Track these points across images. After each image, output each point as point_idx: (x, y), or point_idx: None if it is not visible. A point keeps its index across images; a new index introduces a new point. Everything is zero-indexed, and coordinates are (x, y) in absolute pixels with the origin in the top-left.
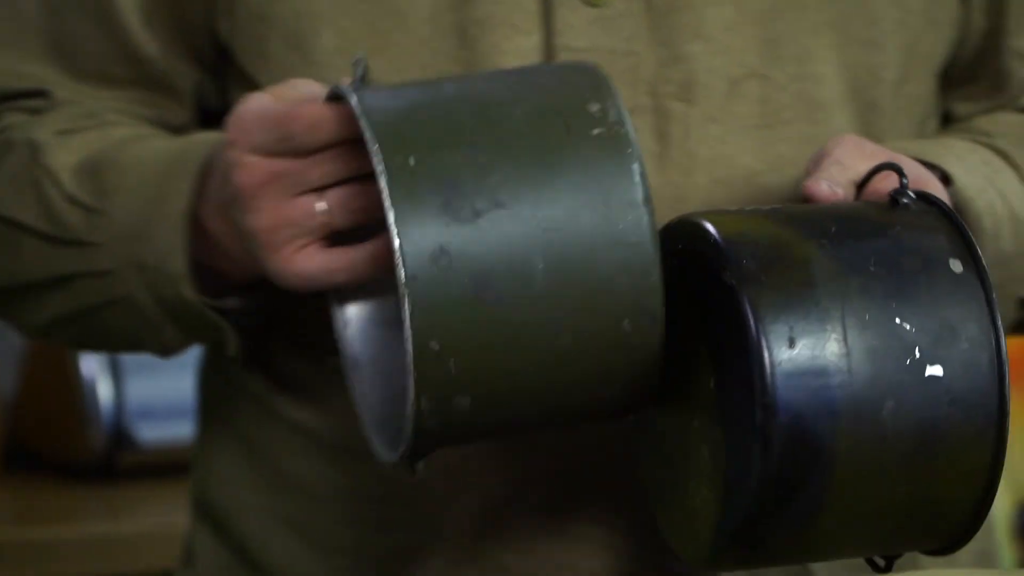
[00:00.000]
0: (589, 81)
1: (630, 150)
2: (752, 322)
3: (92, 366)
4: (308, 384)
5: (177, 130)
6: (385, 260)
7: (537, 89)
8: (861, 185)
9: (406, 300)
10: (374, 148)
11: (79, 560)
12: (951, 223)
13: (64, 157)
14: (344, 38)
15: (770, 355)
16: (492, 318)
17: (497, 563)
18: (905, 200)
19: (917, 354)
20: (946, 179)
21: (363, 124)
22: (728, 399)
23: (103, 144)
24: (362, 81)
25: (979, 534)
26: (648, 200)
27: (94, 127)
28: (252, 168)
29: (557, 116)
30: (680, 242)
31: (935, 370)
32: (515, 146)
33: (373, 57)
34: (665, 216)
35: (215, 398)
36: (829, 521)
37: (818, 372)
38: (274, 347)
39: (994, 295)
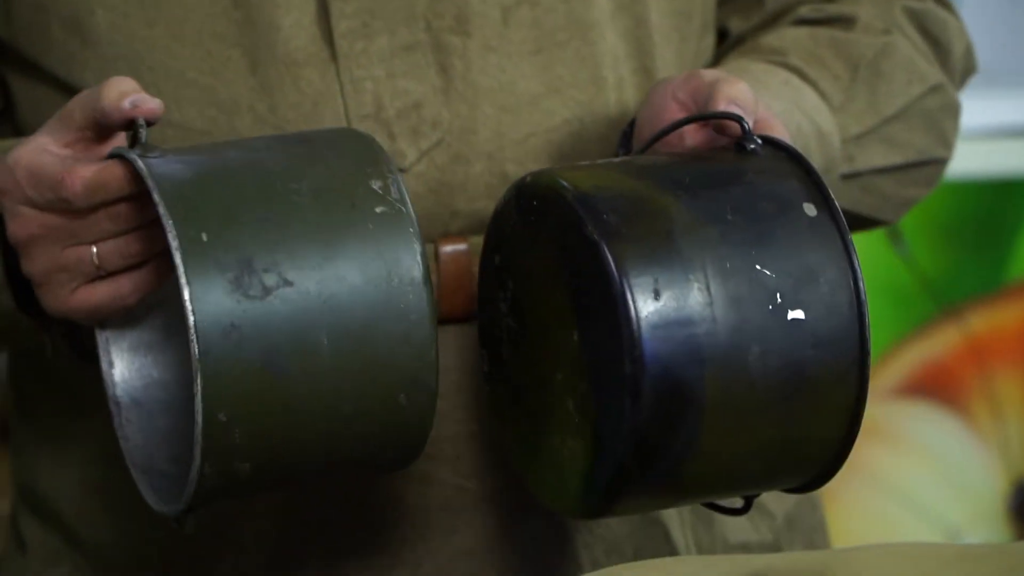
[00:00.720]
0: (369, 155)
1: (411, 229)
2: (617, 276)
3: None
4: None
5: None
6: (152, 285)
7: (320, 162)
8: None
9: (198, 374)
10: (168, 223)
11: None
12: (800, 166)
13: None
14: (116, 13)
15: (636, 307)
16: (278, 390)
17: None
18: (752, 146)
19: (779, 299)
20: None
21: (156, 198)
22: (594, 352)
23: None
24: (140, 144)
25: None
26: (428, 280)
27: None
28: (24, 220)
29: (342, 193)
30: (535, 199)
31: (797, 314)
32: (303, 223)
33: (148, 28)
34: (458, 149)
35: (28, 383)
36: (700, 466)
37: (684, 322)
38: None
39: (849, 235)
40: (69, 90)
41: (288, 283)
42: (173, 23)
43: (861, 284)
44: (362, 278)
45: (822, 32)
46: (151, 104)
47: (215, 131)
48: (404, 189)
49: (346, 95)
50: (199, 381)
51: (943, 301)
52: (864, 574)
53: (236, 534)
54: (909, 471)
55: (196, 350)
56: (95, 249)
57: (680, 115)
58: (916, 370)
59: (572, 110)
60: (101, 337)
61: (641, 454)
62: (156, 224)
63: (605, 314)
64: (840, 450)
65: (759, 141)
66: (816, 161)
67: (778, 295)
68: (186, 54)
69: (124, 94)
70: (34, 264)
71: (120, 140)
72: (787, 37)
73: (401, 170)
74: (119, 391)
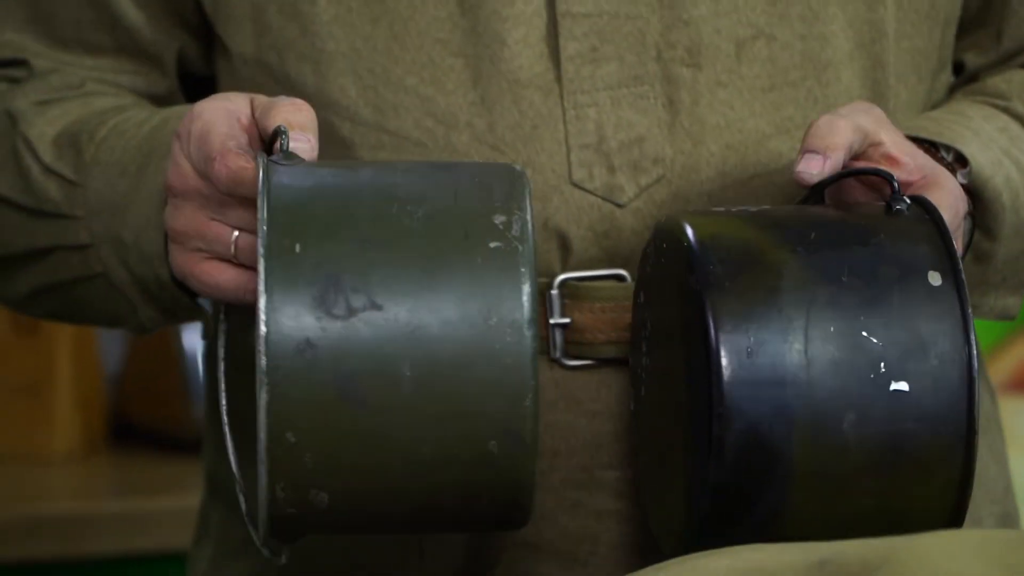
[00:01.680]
0: (506, 188)
1: (524, 269)
2: (711, 329)
3: (195, 340)
4: None
5: (161, 98)
6: None
7: (450, 189)
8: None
9: (264, 389)
10: (262, 229)
11: (180, 532)
12: (940, 232)
13: (43, 127)
14: (340, 5)
15: (726, 364)
16: (353, 418)
17: (516, 537)
18: (899, 207)
19: (883, 368)
20: (961, 158)
21: (259, 203)
22: (694, 404)
23: (83, 115)
24: (282, 151)
25: (1000, 495)
26: (533, 323)
27: (75, 97)
28: (181, 172)
29: (459, 221)
30: (664, 242)
31: (901, 385)
32: (406, 247)
33: (371, 25)
34: (678, 186)
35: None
36: (790, 526)
37: (776, 382)
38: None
39: (969, 310)
40: (280, 80)
41: (376, 307)
42: (397, 22)
43: (975, 361)
44: (458, 313)
45: None
46: (302, 147)
47: (431, 144)
48: (530, 228)
49: (568, 121)
50: (264, 395)
51: None
52: (930, 559)
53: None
54: (1017, 466)
55: (263, 362)
56: (236, 234)
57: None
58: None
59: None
60: (220, 346)
61: (724, 512)
62: None
63: (701, 366)
64: (948, 524)
65: (907, 202)
66: None
67: (882, 364)
68: (407, 58)
69: (289, 124)
70: (176, 219)
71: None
72: (1015, 80)
73: (619, 205)
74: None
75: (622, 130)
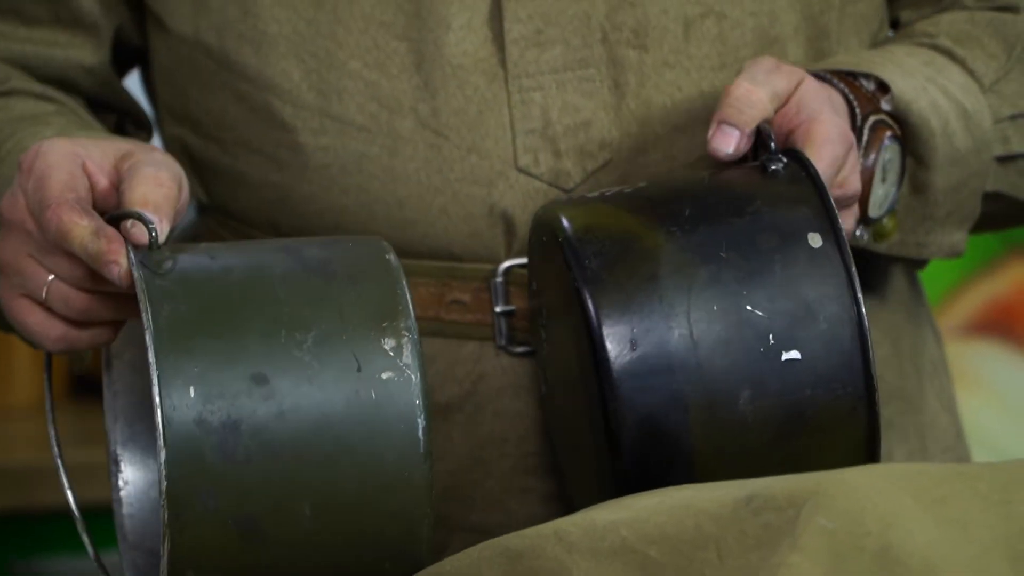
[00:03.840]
0: (390, 300)
1: (417, 401)
2: (594, 325)
3: None
4: None
5: (91, 69)
6: (84, 346)
7: (334, 306)
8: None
9: (166, 539)
10: (155, 373)
11: None
12: (817, 190)
13: None
14: None
15: (613, 358)
16: (255, 556)
17: (466, 523)
18: (774, 166)
19: (771, 340)
20: (884, 87)
21: (148, 339)
22: (589, 397)
23: None
24: (152, 249)
25: (952, 443)
26: (428, 455)
27: None
28: (13, 204)
29: (348, 349)
30: (544, 235)
31: (792, 354)
32: (300, 386)
33: (315, 7)
34: (626, 170)
35: None
36: None
37: (664, 370)
38: None
39: (853, 267)
40: (219, 61)
41: (274, 452)
42: (341, 4)
43: (864, 319)
44: (357, 451)
45: (980, 15)
46: (156, 237)
47: (374, 129)
48: (417, 352)
49: (513, 106)
50: (167, 544)
51: (1009, 240)
52: (857, 492)
53: None
54: (975, 409)
55: (164, 515)
56: (51, 278)
57: None
58: (982, 308)
59: (657, 175)
60: (108, 390)
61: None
62: (117, 296)
63: (589, 361)
64: None
65: (783, 160)
66: (959, 143)
67: (770, 336)
68: (351, 42)
69: (145, 202)
70: (3, 249)
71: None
72: (942, 21)
73: (566, 191)
74: (119, 449)
75: (568, 114)
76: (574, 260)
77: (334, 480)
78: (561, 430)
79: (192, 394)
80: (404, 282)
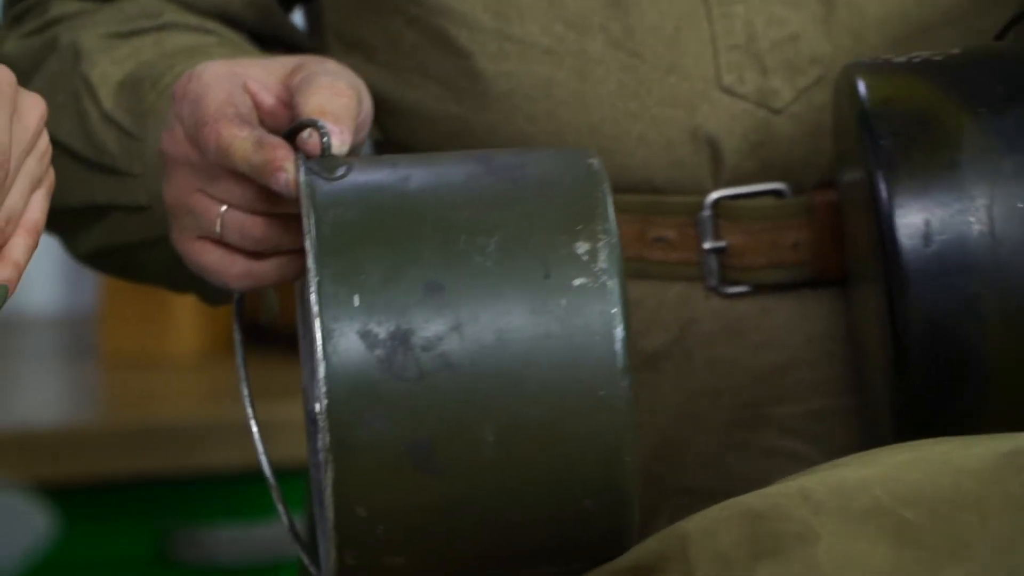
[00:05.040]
0: (585, 201)
1: (615, 310)
2: (885, 214)
3: None
4: None
5: (252, 1)
6: (270, 281)
7: (521, 208)
8: None
9: (329, 466)
10: (314, 280)
11: None
12: None
13: (107, 68)
14: None
15: (903, 253)
16: (430, 488)
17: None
18: None
19: None
20: None
21: (307, 243)
22: (876, 293)
23: (153, 56)
24: (325, 157)
25: None
26: (628, 370)
27: (150, 31)
28: (172, 137)
29: (536, 255)
30: (843, 97)
31: None
32: (481, 294)
33: None
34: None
35: None
36: (988, 429)
37: (959, 270)
38: None
39: None
40: None
41: (451, 367)
42: None
43: None
44: (544, 367)
45: None
46: (332, 143)
47: (561, 51)
48: (616, 257)
49: (714, 20)
50: (330, 473)
51: None
52: None
53: None
54: None
55: (327, 439)
56: (223, 209)
57: None
58: None
59: (970, 42)
60: (304, 340)
61: (913, 426)
62: (297, 219)
63: (877, 254)
64: None
65: None
66: None
67: None
68: None
69: (322, 111)
70: (169, 190)
71: None
72: None
73: (775, 111)
74: (318, 406)
75: (773, 27)
76: (868, 138)
77: (519, 401)
78: (858, 336)
79: (356, 303)
80: (606, 185)
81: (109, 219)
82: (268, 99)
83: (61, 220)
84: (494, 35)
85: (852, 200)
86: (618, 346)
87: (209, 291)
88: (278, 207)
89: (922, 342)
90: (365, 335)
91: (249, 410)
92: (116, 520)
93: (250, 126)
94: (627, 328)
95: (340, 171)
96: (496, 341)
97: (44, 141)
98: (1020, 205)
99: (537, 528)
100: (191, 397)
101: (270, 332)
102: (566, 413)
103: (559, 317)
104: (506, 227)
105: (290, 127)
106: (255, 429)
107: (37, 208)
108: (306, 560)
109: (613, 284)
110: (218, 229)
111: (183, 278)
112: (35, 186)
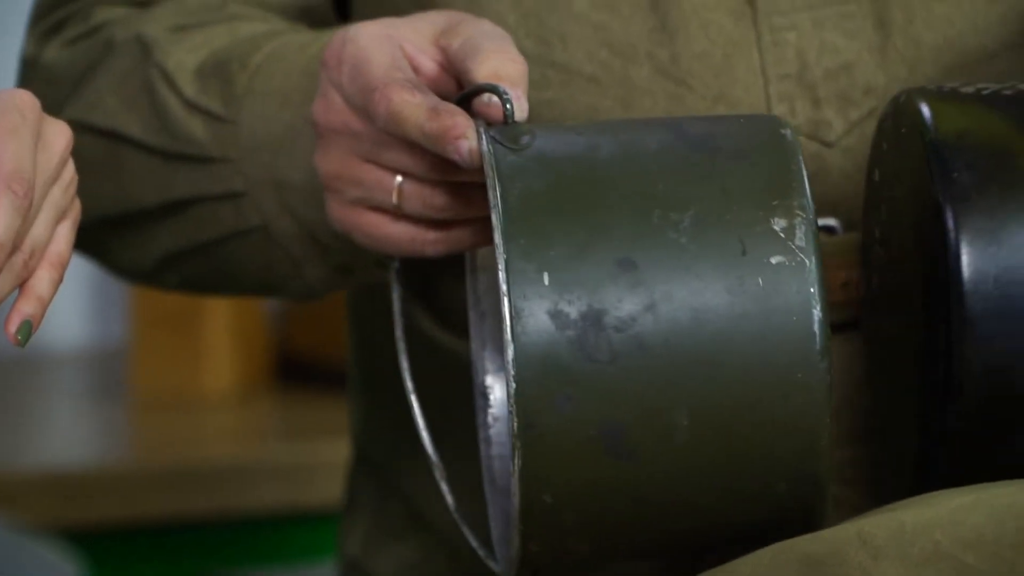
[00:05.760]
0: (782, 174)
1: (813, 288)
2: (954, 252)
3: None
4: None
5: (312, 11)
6: (466, 247)
7: (716, 181)
8: None
9: (518, 452)
10: (501, 255)
11: None
12: None
13: (182, 56)
14: None
15: (971, 292)
16: (620, 474)
17: None
18: None
19: None
20: None
21: (495, 218)
22: (930, 334)
23: (230, 42)
24: (509, 126)
25: None
26: (827, 353)
27: (217, 21)
28: (329, 106)
29: (733, 231)
30: (903, 126)
31: None
32: (675, 272)
33: None
34: None
35: (368, 341)
36: None
37: None
38: (434, 276)
39: None
40: (423, 3)
41: (644, 348)
42: None
43: None
44: (741, 348)
45: None
46: (516, 110)
47: (606, 78)
48: (813, 233)
49: (763, 48)
50: (518, 459)
51: None
52: None
53: None
54: None
55: (516, 423)
56: (399, 180)
57: None
58: None
59: None
60: (474, 311)
61: (961, 464)
62: (478, 186)
63: (939, 293)
64: None
65: None
66: None
67: None
68: None
69: (498, 77)
70: (327, 161)
71: None
72: None
73: (827, 144)
74: (489, 379)
75: (827, 56)
76: (939, 170)
77: (714, 383)
78: (883, 370)
79: (546, 281)
80: (800, 158)
81: (192, 214)
82: (428, 64)
83: (117, 231)
84: (537, 61)
85: (898, 235)
86: (817, 327)
87: (304, 284)
88: (457, 175)
89: (979, 387)
90: (555, 315)
91: (409, 384)
92: (147, 566)
93: (422, 92)
94: (825, 308)
95: (524, 140)
96: (691, 321)
97: (70, 171)
98: None
99: (726, 512)
100: (225, 437)
101: (310, 370)
102: (762, 396)
103: (756, 296)
104: (700, 201)
105: (464, 92)
106: (416, 407)
107: (62, 240)
108: (480, 550)
109: (811, 262)
110: (395, 200)
111: (277, 273)
112: (60, 217)
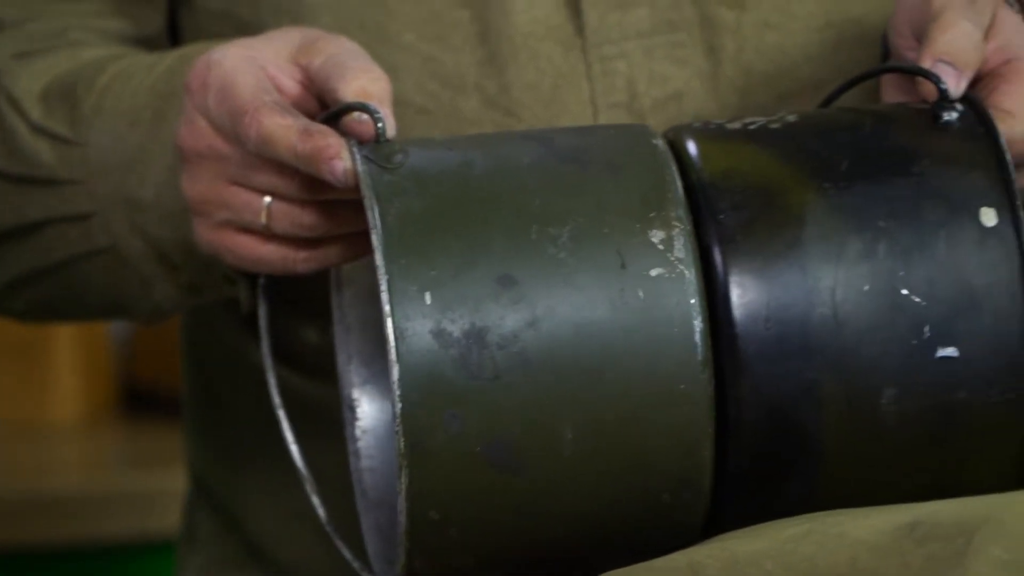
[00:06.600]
0: (656, 185)
1: (693, 300)
2: (722, 294)
3: None
4: (318, 355)
5: (151, 40)
6: (336, 262)
7: (593, 194)
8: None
9: (405, 470)
10: (384, 277)
11: None
12: (995, 152)
13: (27, 82)
14: None
15: (741, 335)
16: (506, 488)
17: None
18: (947, 117)
19: (927, 332)
20: None
21: (375, 239)
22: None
23: (75, 66)
24: (380, 144)
25: None
26: (708, 363)
27: (60, 48)
28: (195, 131)
29: (611, 243)
30: (678, 161)
31: (949, 351)
32: (555, 287)
33: None
34: None
35: (204, 371)
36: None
37: (799, 354)
38: (278, 312)
39: None
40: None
41: (528, 364)
42: None
43: None
44: (623, 361)
45: None
46: (387, 128)
47: (436, 110)
48: (691, 244)
49: (593, 78)
50: (405, 477)
51: None
52: None
53: None
54: None
55: (403, 442)
56: (267, 201)
57: (911, 42)
58: None
59: (863, 99)
60: (339, 325)
61: (743, 503)
62: (349, 205)
63: (713, 334)
64: None
65: (959, 109)
66: None
67: (926, 327)
68: (405, 11)
69: (366, 95)
70: (194, 186)
71: None
72: None
73: None
74: (356, 392)
75: (656, 85)
76: (706, 211)
77: (598, 397)
78: None
79: (428, 300)
80: (673, 168)
81: (41, 237)
82: (289, 83)
83: None
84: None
85: None
86: (698, 338)
87: (152, 304)
88: (326, 194)
89: (756, 428)
90: (439, 334)
91: (276, 399)
92: None
93: (292, 114)
94: (706, 319)
95: (397, 158)
96: (574, 336)
97: None
98: (866, 288)
99: (612, 523)
100: (71, 466)
101: (156, 398)
102: (646, 408)
103: (637, 309)
104: (578, 215)
105: (331, 111)
106: (285, 422)
107: None
108: (355, 563)
109: (691, 273)
110: (264, 220)
111: (125, 293)
112: None
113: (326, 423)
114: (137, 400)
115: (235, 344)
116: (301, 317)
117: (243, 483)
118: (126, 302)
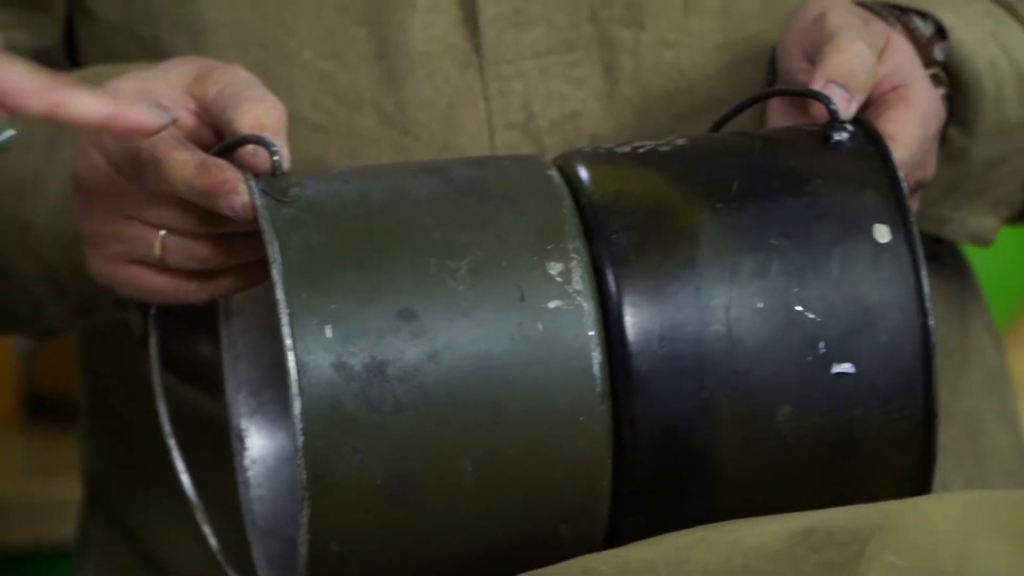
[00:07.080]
0: (554, 217)
1: (591, 332)
2: (615, 314)
3: None
4: (213, 368)
5: (47, 51)
6: (231, 291)
7: (492, 226)
8: None
9: (307, 504)
10: (284, 311)
11: None
12: (887, 170)
13: None
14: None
15: (634, 355)
16: (407, 520)
17: None
18: (838, 137)
19: (821, 348)
20: (941, 32)
21: (275, 273)
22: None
23: None
24: (276, 176)
25: (1016, 467)
26: (607, 396)
27: None
28: (92, 167)
29: (509, 277)
30: (569, 187)
31: (844, 367)
32: (455, 321)
33: None
34: None
35: (99, 382)
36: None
37: (693, 373)
38: (172, 326)
39: (924, 269)
40: (153, 53)
41: (429, 396)
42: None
43: (931, 333)
44: (523, 393)
45: None
46: (282, 161)
47: (332, 127)
48: (589, 277)
49: (490, 97)
50: (306, 510)
51: None
52: (929, 524)
53: None
54: None
55: (304, 475)
56: (162, 234)
57: (802, 63)
58: None
59: (759, 118)
60: (228, 354)
61: (640, 523)
62: (244, 237)
63: (608, 355)
64: None
65: (849, 130)
66: (1011, 111)
67: (821, 344)
68: (302, 29)
69: (261, 126)
70: (89, 219)
71: None
72: None
73: None
74: (244, 422)
75: (553, 105)
76: (598, 233)
77: (498, 429)
78: None
79: (329, 334)
80: (569, 200)
81: None
82: (184, 115)
83: None
84: None
85: None
86: (596, 369)
87: (44, 324)
88: (221, 227)
89: (651, 448)
90: (340, 367)
91: (167, 427)
92: None
93: (188, 148)
94: (604, 351)
95: (294, 191)
96: (474, 368)
97: None
98: (760, 305)
99: (509, 555)
100: None
101: (58, 406)
102: (545, 439)
103: (536, 342)
104: (477, 248)
105: (225, 143)
106: (175, 451)
107: None
108: None
109: (589, 305)
110: (157, 253)
111: (18, 313)
112: None
113: (223, 436)
114: (39, 408)
115: (129, 355)
116: (196, 330)
117: (137, 492)
118: (17, 319)
